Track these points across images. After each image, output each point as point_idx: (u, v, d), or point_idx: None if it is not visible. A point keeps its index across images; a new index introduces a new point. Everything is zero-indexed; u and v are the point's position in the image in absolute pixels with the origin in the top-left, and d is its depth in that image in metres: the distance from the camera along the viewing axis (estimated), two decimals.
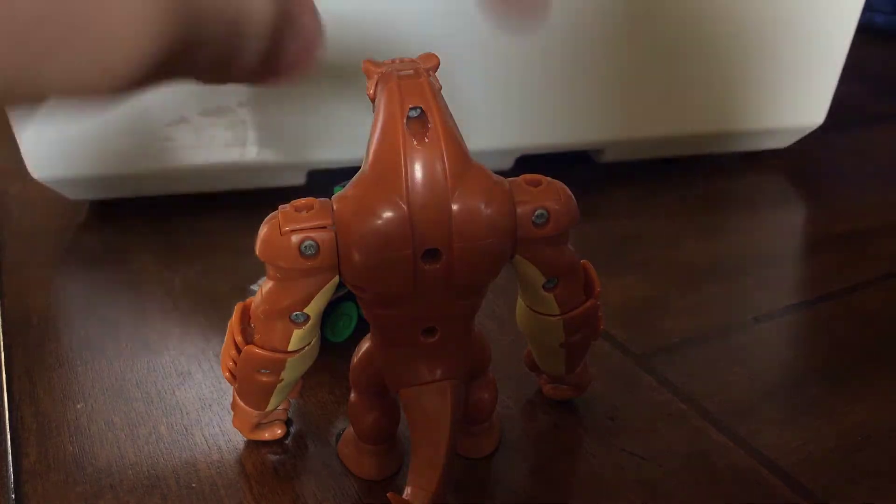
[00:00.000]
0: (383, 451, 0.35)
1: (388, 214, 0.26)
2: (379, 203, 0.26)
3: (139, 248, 0.54)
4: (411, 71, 0.27)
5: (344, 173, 0.36)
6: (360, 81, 0.61)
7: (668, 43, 0.60)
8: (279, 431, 0.37)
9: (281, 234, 0.27)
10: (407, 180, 0.26)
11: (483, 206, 0.27)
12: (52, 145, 0.55)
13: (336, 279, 0.28)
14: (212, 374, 0.42)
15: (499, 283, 0.30)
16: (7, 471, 0.36)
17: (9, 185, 0.63)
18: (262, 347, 0.31)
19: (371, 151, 0.27)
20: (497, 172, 0.29)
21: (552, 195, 0.29)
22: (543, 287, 0.31)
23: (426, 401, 0.30)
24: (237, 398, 0.35)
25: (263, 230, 0.28)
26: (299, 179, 0.61)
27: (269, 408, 0.34)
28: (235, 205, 0.60)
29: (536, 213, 0.28)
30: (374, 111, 0.27)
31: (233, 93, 0.56)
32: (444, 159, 0.26)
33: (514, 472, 0.36)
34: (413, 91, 0.26)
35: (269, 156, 0.58)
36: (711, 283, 0.50)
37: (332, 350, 0.40)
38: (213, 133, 0.57)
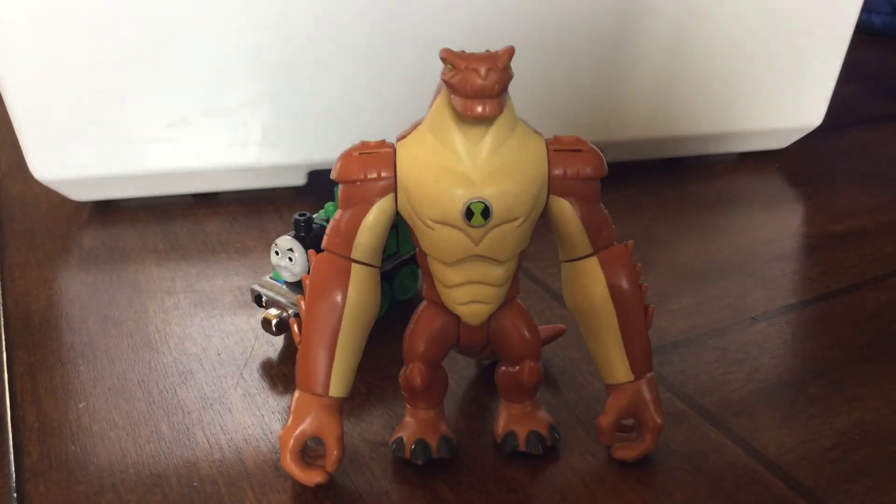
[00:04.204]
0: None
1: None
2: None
3: (140, 248, 0.54)
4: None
5: None
6: (360, 82, 0.61)
7: (667, 43, 0.60)
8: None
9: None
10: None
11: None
12: (54, 146, 0.55)
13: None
14: (213, 374, 0.42)
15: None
16: (9, 469, 0.36)
17: (11, 185, 0.63)
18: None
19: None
20: None
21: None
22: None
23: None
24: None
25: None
26: (299, 179, 0.61)
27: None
28: (235, 205, 0.60)
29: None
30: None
31: (233, 93, 0.56)
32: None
33: (514, 470, 0.36)
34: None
35: (270, 156, 0.58)
36: (710, 282, 0.51)
37: None
38: (213, 133, 0.57)
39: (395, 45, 0.56)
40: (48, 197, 0.61)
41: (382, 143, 0.33)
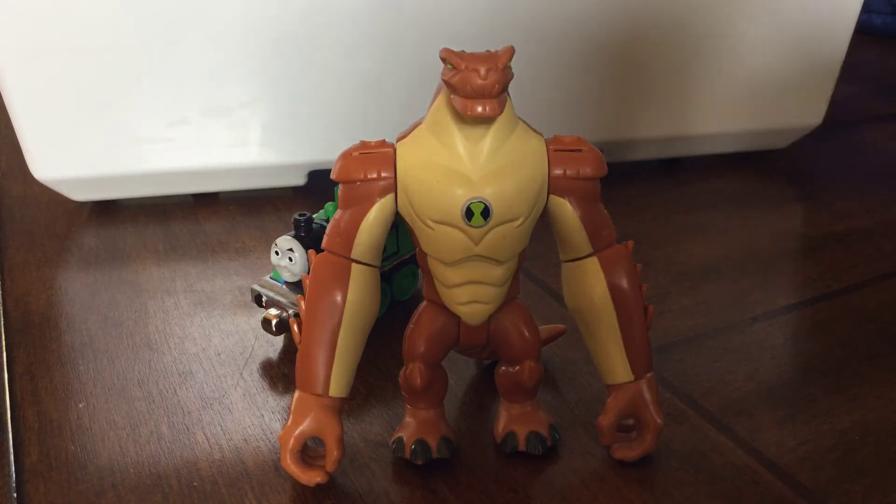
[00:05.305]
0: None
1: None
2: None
3: (140, 248, 0.54)
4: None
5: None
6: (359, 82, 0.61)
7: (668, 44, 0.60)
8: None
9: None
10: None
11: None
12: (54, 146, 0.55)
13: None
14: (213, 374, 0.42)
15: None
16: (9, 469, 0.36)
17: (11, 185, 0.63)
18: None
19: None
20: None
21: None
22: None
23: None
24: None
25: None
26: (299, 179, 0.61)
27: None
28: (235, 205, 0.60)
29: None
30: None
31: (233, 93, 0.56)
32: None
33: (514, 470, 0.36)
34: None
35: (270, 156, 0.58)
36: (710, 282, 0.51)
37: None
38: (213, 133, 0.57)
39: (395, 45, 0.56)
40: (48, 197, 0.61)
41: (382, 143, 0.33)
